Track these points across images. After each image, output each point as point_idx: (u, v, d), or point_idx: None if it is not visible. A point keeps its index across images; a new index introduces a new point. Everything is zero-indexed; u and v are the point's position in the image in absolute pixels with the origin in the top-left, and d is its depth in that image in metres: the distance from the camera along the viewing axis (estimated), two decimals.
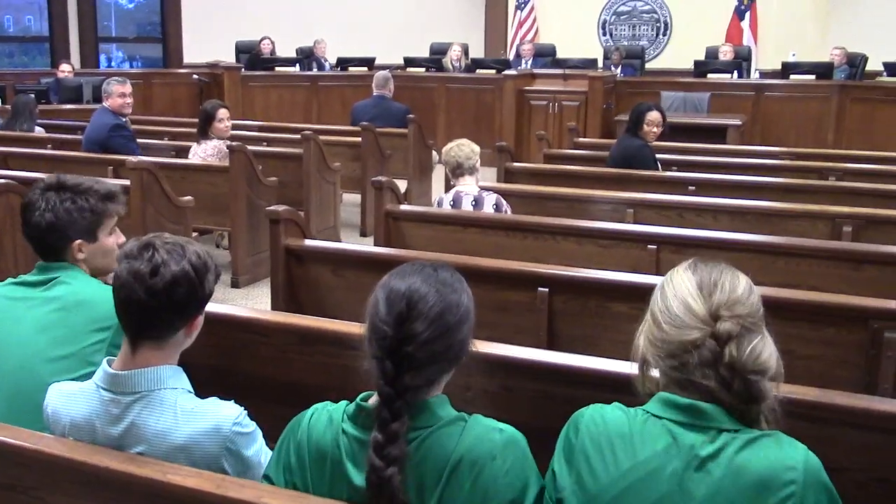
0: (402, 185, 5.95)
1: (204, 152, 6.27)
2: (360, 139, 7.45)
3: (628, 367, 1.81)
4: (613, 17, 13.82)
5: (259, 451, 1.85)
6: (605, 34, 13.83)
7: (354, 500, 1.60)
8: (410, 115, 7.97)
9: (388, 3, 14.04)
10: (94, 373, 1.93)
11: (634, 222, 4.59)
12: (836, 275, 3.63)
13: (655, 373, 1.64)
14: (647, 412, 1.59)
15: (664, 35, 13.54)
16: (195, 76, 11.27)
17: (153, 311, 1.81)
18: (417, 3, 14.29)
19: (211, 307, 2.05)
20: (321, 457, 1.66)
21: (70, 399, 1.87)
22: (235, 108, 9.75)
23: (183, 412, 1.80)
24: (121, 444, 1.80)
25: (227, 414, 1.81)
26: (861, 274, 3.62)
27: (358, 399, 1.67)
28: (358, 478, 1.61)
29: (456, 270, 1.70)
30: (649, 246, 3.91)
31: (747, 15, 12.53)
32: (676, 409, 1.56)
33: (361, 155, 7.42)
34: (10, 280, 2.41)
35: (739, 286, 1.60)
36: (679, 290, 1.60)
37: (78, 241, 2.39)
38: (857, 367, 2.88)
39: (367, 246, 4.82)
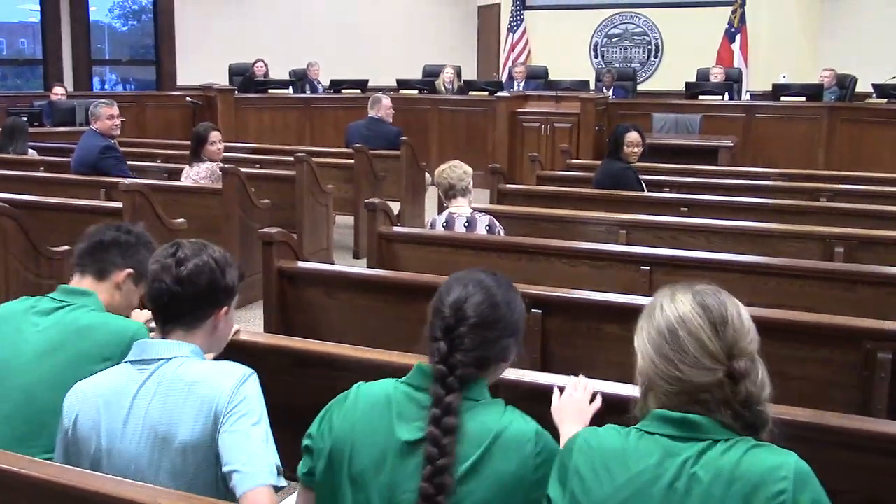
0: (395, 206, 5.96)
1: (196, 175, 6.26)
2: (352, 161, 7.46)
3: (623, 389, 1.80)
4: (605, 39, 13.91)
5: (263, 415, 1.91)
6: (596, 56, 13.91)
7: (394, 453, 1.72)
8: (403, 137, 7.98)
9: (382, 26, 14.12)
10: None
11: (627, 243, 4.60)
12: (829, 295, 3.64)
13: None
14: (641, 430, 1.61)
15: (655, 57, 13.63)
16: (188, 99, 11.29)
17: (180, 297, 2.01)
18: (410, 26, 14.37)
19: None
20: (371, 408, 1.79)
21: (97, 379, 2.00)
22: (229, 131, 9.76)
23: (203, 363, 1.99)
24: (139, 403, 1.90)
25: (244, 368, 1.96)
26: (854, 294, 3.63)
27: (416, 365, 1.83)
28: (404, 432, 1.73)
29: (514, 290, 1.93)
30: (642, 267, 3.92)
31: (737, 37, 12.61)
32: (669, 424, 1.58)
33: (354, 177, 7.43)
34: (25, 300, 2.43)
35: (742, 316, 1.62)
36: (691, 328, 1.59)
37: (130, 271, 2.49)
38: (850, 388, 2.88)
39: (359, 268, 4.81)
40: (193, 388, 1.89)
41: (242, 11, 13.69)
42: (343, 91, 11.76)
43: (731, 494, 1.48)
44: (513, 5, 13.88)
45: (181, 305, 2.02)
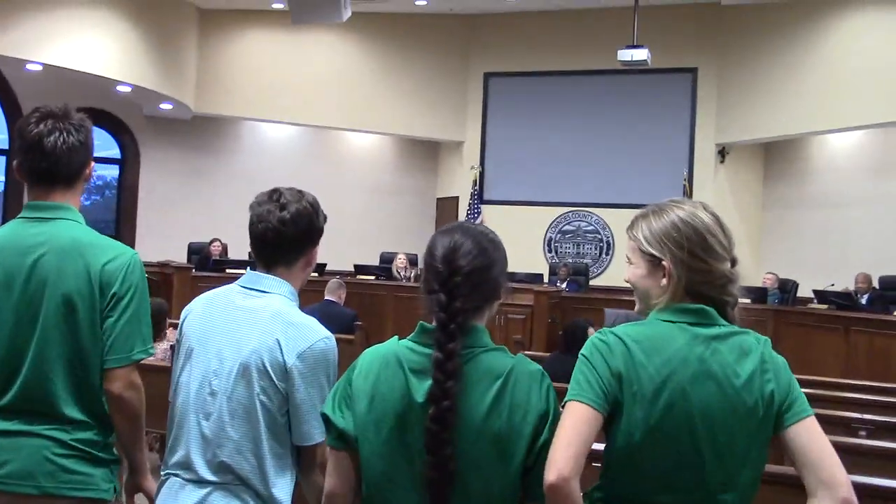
0: None
1: (155, 356, 6.19)
2: None
3: None
4: (559, 234, 14.40)
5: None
6: (550, 251, 14.35)
7: (408, 413, 1.85)
8: (358, 322, 8.05)
9: (341, 213, 14.44)
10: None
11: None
12: (782, 501, 3.65)
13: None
14: (662, 320, 1.92)
15: (607, 254, 14.10)
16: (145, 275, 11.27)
17: (284, 237, 2.30)
18: (370, 214, 14.77)
19: None
20: (383, 366, 1.92)
21: (207, 295, 2.40)
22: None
23: (291, 309, 2.29)
24: (238, 313, 2.27)
25: (326, 334, 2.26)
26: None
27: (419, 323, 1.97)
28: (419, 393, 1.85)
29: (491, 230, 2.10)
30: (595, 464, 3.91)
31: None
32: (688, 314, 1.92)
33: None
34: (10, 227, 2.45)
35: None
36: (714, 231, 1.96)
37: (92, 164, 2.54)
38: None
39: None
40: (276, 323, 2.25)
41: (205, 194, 13.99)
42: None
43: (732, 351, 1.90)
44: (471, 198, 14.41)
45: (283, 245, 2.31)
